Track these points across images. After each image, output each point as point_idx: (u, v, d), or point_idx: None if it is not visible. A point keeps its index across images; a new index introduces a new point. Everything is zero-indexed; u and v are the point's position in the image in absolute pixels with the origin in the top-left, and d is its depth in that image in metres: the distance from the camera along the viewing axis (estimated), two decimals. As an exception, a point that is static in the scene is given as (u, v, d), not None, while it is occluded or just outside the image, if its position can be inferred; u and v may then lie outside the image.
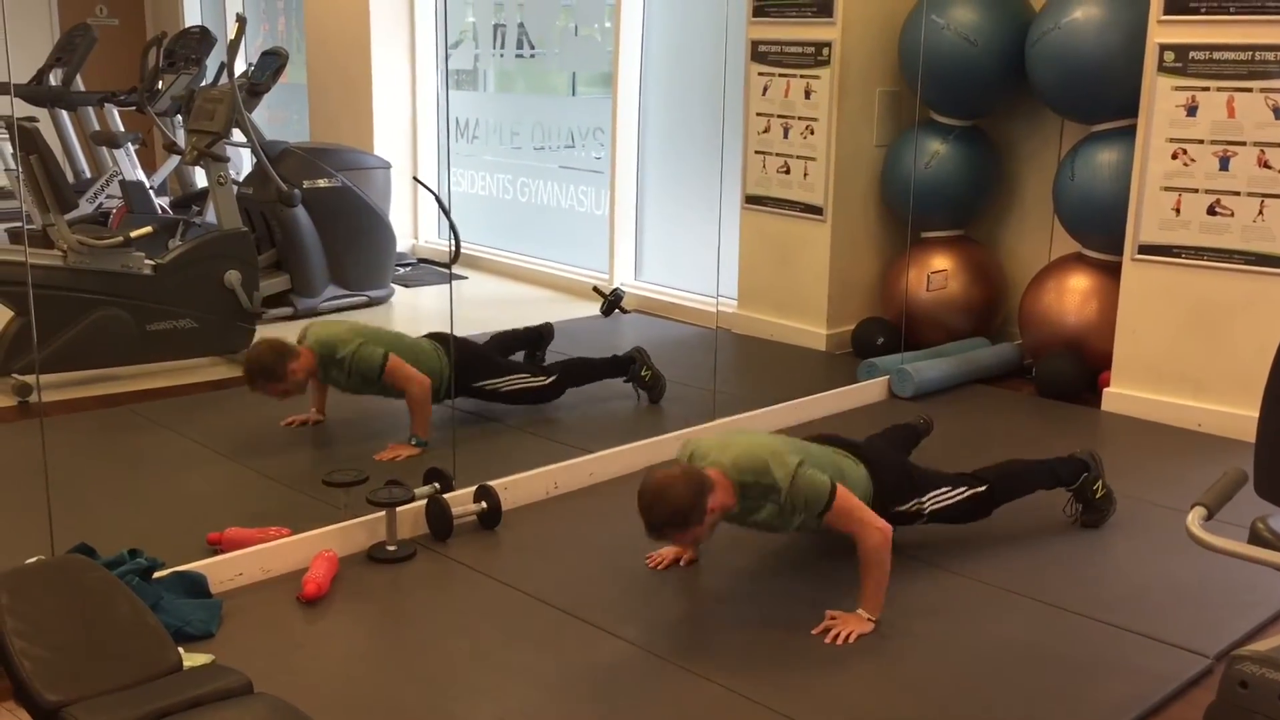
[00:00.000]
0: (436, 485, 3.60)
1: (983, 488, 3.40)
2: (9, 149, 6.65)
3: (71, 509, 3.29)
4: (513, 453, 4.22)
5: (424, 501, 3.51)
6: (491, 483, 3.64)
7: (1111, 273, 4.90)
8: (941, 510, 3.34)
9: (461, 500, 3.57)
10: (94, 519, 3.50)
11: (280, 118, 8.90)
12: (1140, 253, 4.66)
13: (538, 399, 4.59)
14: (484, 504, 3.58)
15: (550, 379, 4.60)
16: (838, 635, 2.93)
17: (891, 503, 3.21)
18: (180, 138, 7.04)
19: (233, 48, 5.86)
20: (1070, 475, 3.58)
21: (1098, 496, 3.59)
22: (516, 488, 3.75)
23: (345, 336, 4.21)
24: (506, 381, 4.51)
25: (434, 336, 4.48)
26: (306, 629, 2.98)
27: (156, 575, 3.00)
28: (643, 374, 4.78)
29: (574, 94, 7.66)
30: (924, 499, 3.31)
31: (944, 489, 3.35)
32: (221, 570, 3.14)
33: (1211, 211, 4.47)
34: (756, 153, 5.86)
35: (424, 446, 4.16)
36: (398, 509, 3.41)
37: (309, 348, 4.17)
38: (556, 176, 7.50)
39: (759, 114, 5.81)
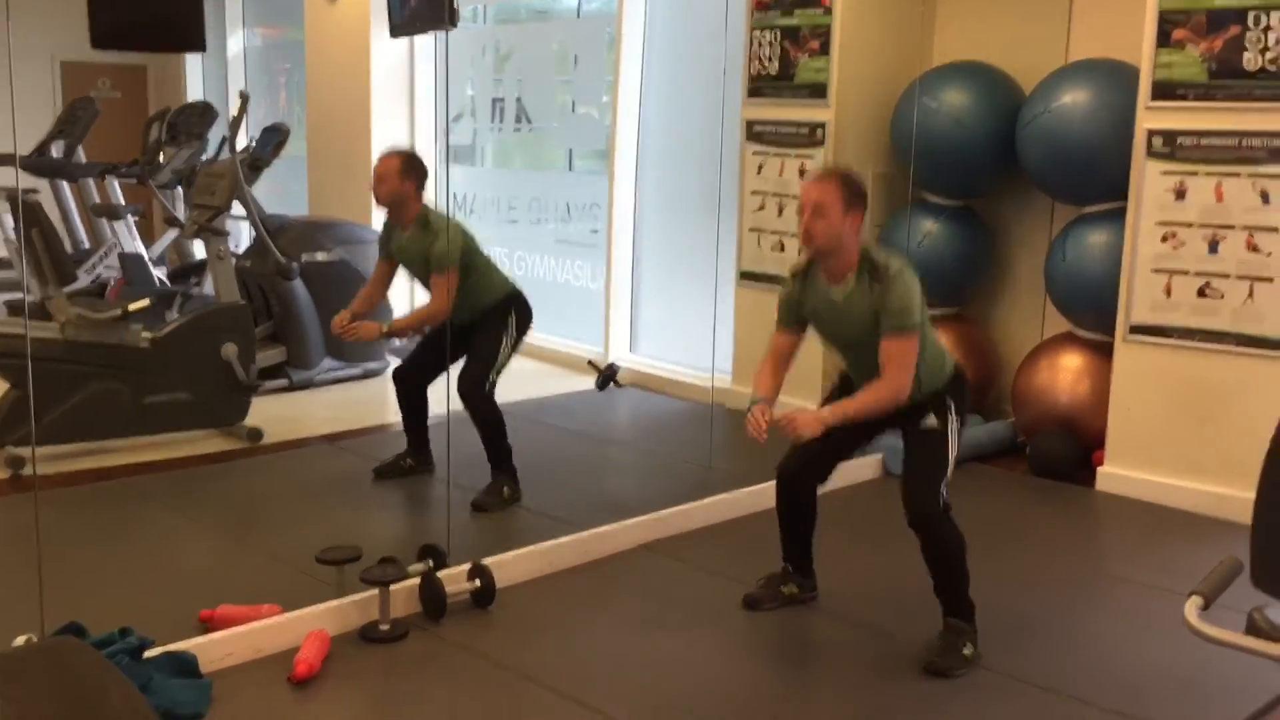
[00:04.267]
0: (430, 563, 3.58)
1: (935, 511, 3.23)
2: (9, 220, 6.69)
3: (63, 584, 3.27)
4: (507, 529, 4.21)
5: (417, 580, 3.49)
6: (486, 560, 3.62)
7: (1104, 352, 4.93)
8: (947, 440, 3.27)
9: (455, 578, 3.56)
10: (86, 594, 3.48)
11: (278, 190, 8.98)
12: (1132, 333, 4.70)
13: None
14: (478, 582, 3.56)
15: None
16: (789, 430, 3.10)
17: (946, 408, 3.31)
18: (180, 211, 7.10)
19: (235, 124, 5.93)
20: (967, 608, 3.29)
21: (964, 651, 3.24)
22: (510, 565, 3.74)
23: (453, 226, 4.43)
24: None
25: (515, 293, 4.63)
26: (297, 711, 2.95)
27: (147, 655, 2.97)
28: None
29: (571, 169, 7.75)
30: (951, 432, 3.27)
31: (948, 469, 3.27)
32: (212, 650, 3.11)
33: (1202, 294, 4.52)
34: (751, 230, 5.92)
35: (388, 337, 4.54)
36: (391, 587, 3.39)
37: (425, 204, 4.49)
38: (553, 250, 7.56)
39: (754, 192, 5.89)
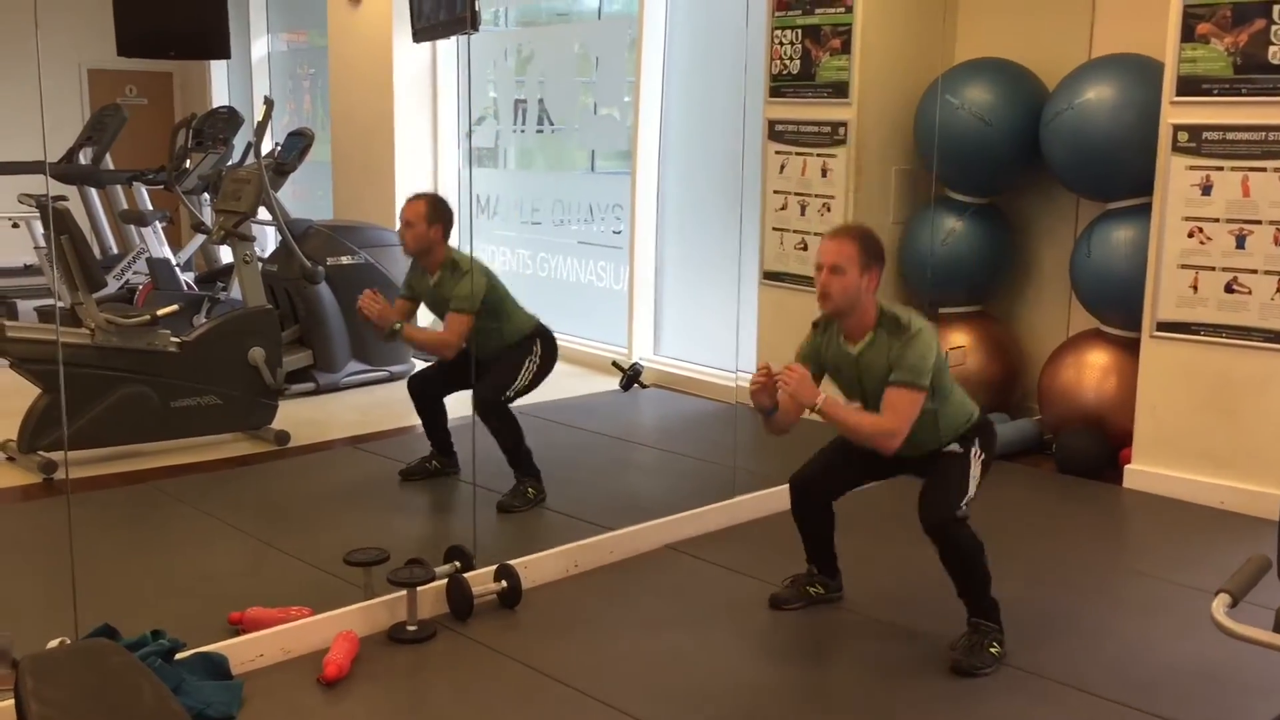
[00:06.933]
0: (457, 564, 3.60)
1: (952, 517, 3.19)
2: (39, 227, 6.76)
3: (95, 587, 3.31)
4: (532, 530, 4.23)
5: (444, 581, 3.51)
6: (511, 561, 3.64)
7: (1130, 349, 4.91)
8: (968, 465, 3.24)
9: (482, 579, 3.58)
10: (117, 597, 3.52)
11: (304, 194, 9.04)
12: (1159, 330, 4.67)
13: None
14: (504, 583, 3.58)
15: None
16: (785, 383, 3.13)
17: (971, 441, 3.28)
18: (207, 216, 7.16)
19: (260, 129, 5.98)
20: (991, 607, 3.28)
21: (990, 650, 3.23)
22: (536, 566, 3.76)
23: (478, 266, 4.47)
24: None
25: (541, 329, 4.61)
26: (327, 711, 2.98)
27: (178, 656, 3.00)
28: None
29: (593, 170, 7.78)
30: (973, 459, 3.24)
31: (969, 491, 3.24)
32: (243, 651, 3.14)
33: (1229, 289, 4.49)
34: (774, 230, 5.92)
35: (393, 338, 4.48)
36: (418, 589, 3.42)
37: (449, 248, 4.50)
38: (576, 251, 7.58)
39: (776, 191, 5.88)
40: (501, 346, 4.49)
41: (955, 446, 3.28)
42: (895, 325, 3.23)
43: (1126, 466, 4.81)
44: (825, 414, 3.19)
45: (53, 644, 2.99)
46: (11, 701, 2.74)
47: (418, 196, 4.53)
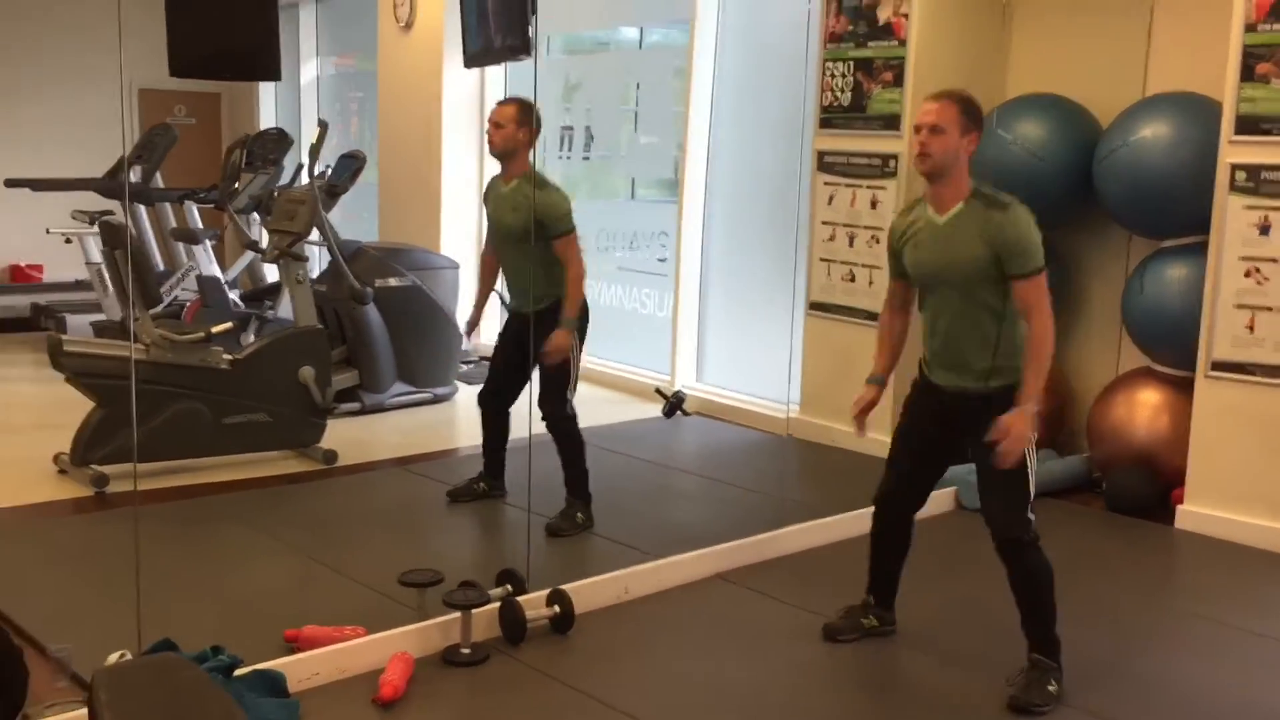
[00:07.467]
0: (509, 587, 3.61)
1: (1026, 537, 3.20)
2: (92, 243, 6.86)
3: (150, 601, 3.32)
4: (581, 555, 4.23)
5: (497, 604, 3.51)
6: (564, 586, 3.64)
7: (1183, 388, 4.87)
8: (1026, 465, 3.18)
9: (534, 604, 3.57)
10: (171, 612, 3.53)
11: (350, 216, 9.12)
12: (1213, 369, 4.63)
13: None
14: (557, 608, 3.58)
15: None
16: (1011, 448, 3.07)
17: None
18: (255, 234, 7.23)
19: (314, 151, 6.04)
20: (1053, 644, 3.25)
21: (1049, 688, 3.18)
22: (588, 591, 3.75)
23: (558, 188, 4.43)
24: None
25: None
26: (383, 732, 2.98)
27: (237, 673, 3.01)
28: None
29: (633, 197, 7.80)
30: (1029, 454, 3.18)
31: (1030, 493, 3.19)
32: (299, 669, 3.15)
33: (1287, 330, 4.45)
34: (821, 260, 5.92)
35: (571, 328, 4.34)
36: (472, 611, 3.42)
37: (531, 166, 4.44)
38: (619, 278, 7.60)
39: (824, 222, 5.89)
40: (549, 297, 4.39)
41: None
42: (991, 199, 3.18)
43: (1179, 507, 4.76)
44: (1033, 414, 3.14)
45: (113, 658, 3.01)
46: (72, 713, 2.78)
47: (509, 99, 4.54)
